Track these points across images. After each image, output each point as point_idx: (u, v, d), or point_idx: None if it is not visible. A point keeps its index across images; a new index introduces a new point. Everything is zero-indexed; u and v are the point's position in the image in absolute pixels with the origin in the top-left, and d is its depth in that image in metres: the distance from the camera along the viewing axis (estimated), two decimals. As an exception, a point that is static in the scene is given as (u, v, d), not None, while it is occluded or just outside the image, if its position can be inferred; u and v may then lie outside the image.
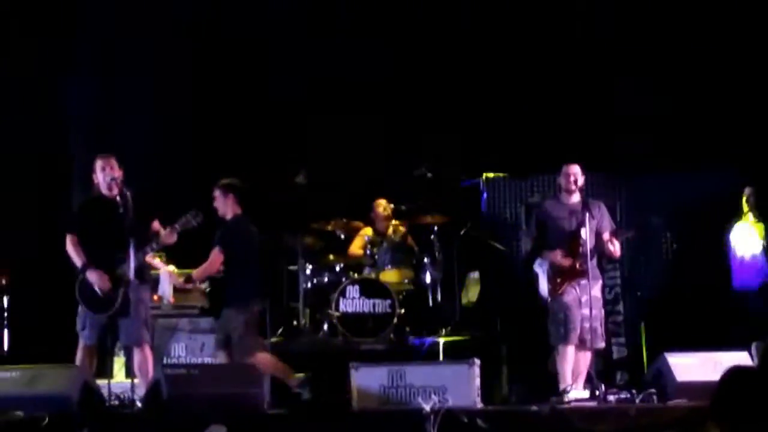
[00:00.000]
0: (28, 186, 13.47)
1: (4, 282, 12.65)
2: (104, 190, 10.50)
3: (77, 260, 10.48)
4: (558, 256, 10.63)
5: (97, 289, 10.38)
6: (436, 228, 12.98)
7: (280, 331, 12.61)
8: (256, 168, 13.29)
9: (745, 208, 12.06)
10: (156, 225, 10.44)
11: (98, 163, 10.52)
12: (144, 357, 10.46)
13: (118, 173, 10.48)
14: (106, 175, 10.46)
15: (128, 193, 10.37)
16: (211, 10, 14.20)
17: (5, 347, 12.41)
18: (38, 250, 12.97)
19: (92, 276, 10.36)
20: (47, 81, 13.74)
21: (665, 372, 10.25)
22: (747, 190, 12.18)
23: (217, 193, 11.07)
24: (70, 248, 10.52)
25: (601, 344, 10.89)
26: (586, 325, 10.52)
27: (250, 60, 14.15)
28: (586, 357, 10.68)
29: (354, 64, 13.96)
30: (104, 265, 10.38)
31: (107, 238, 10.33)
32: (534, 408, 9.69)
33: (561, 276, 10.63)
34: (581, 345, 10.57)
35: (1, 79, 13.58)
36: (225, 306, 11.00)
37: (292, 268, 12.84)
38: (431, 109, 13.89)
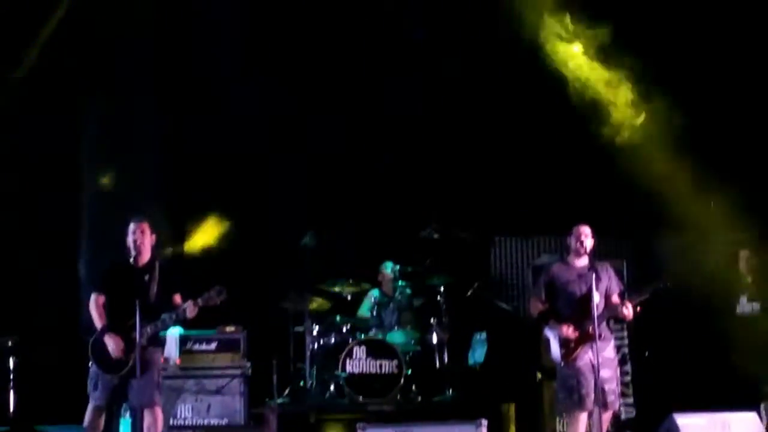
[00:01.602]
0: (33, 250, 13.45)
1: (10, 344, 12.50)
2: (132, 254, 10.46)
3: (98, 321, 10.34)
4: (566, 330, 10.52)
5: (111, 351, 10.31)
6: (442, 289, 12.91)
7: (287, 391, 12.56)
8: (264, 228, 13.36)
9: (743, 271, 12.21)
10: (178, 298, 10.30)
11: (130, 227, 10.48)
12: (154, 418, 10.29)
13: (149, 239, 10.45)
14: (136, 241, 10.44)
15: (157, 262, 10.40)
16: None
17: (11, 408, 12.25)
18: (46, 313, 12.97)
19: (109, 340, 10.25)
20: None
21: None
22: (742, 254, 12.24)
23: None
24: (93, 308, 10.38)
25: (618, 405, 10.77)
26: (606, 386, 10.36)
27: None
28: (607, 418, 10.52)
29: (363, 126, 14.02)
30: (121, 328, 10.28)
31: (129, 303, 10.18)
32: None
33: (574, 341, 10.51)
34: (604, 407, 10.36)
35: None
36: None
37: (298, 329, 12.76)
38: (439, 171, 13.97)
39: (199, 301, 10.12)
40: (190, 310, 10.14)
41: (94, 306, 10.39)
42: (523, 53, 13.70)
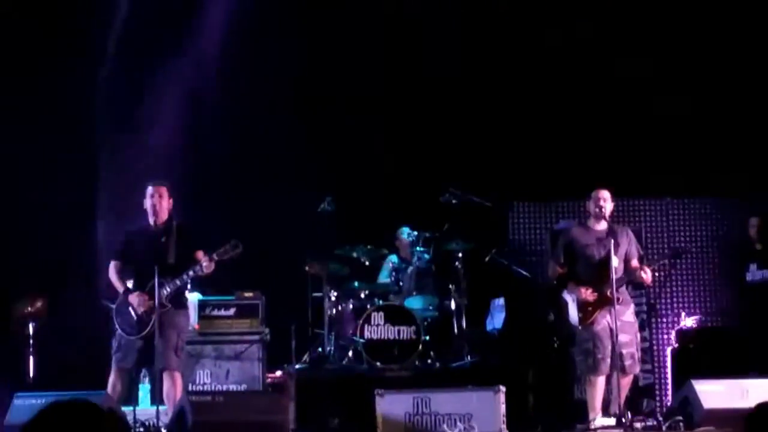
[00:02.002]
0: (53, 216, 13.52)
1: (29, 309, 12.61)
2: (150, 218, 10.55)
3: (118, 286, 10.62)
4: (584, 293, 10.55)
5: (134, 310, 10.44)
6: (461, 254, 12.94)
7: (305, 357, 12.58)
8: (283, 194, 13.35)
9: (753, 238, 12.34)
10: (200, 255, 10.41)
11: (148, 190, 10.64)
12: (172, 383, 10.48)
13: (166, 202, 10.59)
14: (154, 204, 10.54)
15: (174, 223, 10.61)
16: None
17: (31, 373, 12.37)
18: (65, 279, 13.05)
19: (133, 299, 10.45)
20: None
21: (692, 399, 10.28)
22: (752, 221, 12.34)
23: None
24: (112, 274, 10.68)
25: (638, 369, 10.92)
26: (624, 351, 10.46)
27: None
28: (627, 381, 10.65)
29: (380, 91, 14.04)
30: (144, 290, 10.47)
31: (148, 265, 10.38)
32: (561, 435, 9.72)
33: (592, 304, 10.56)
34: (623, 371, 10.50)
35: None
36: None
37: (317, 294, 12.81)
38: (456, 136, 14.00)
39: (215, 255, 10.28)
40: (206, 265, 10.33)
41: (113, 273, 10.71)
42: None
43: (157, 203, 10.67)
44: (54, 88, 13.65)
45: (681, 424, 10.10)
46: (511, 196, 13.47)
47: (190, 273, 10.38)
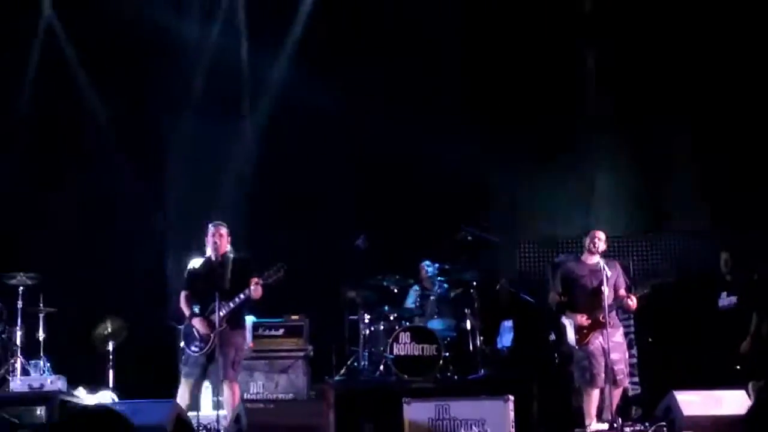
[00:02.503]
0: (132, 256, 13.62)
1: (109, 330, 12.64)
2: (210, 252, 10.61)
3: (186, 311, 10.67)
4: (579, 319, 10.55)
5: (197, 332, 10.44)
6: (475, 283, 12.87)
7: (343, 371, 12.54)
8: (325, 232, 13.46)
9: (723, 270, 12.13)
10: (253, 281, 10.44)
11: (210, 229, 10.70)
12: (231, 392, 10.51)
13: (225, 239, 10.68)
14: (215, 241, 10.64)
15: (231, 255, 10.65)
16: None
17: (111, 384, 12.37)
18: (140, 304, 13.07)
19: (196, 322, 10.51)
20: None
21: (674, 408, 10.19)
22: (723, 255, 12.18)
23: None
24: (182, 301, 10.73)
25: (626, 383, 10.91)
26: (616, 367, 10.44)
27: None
28: (617, 393, 10.61)
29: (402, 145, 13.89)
30: (204, 315, 10.52)
31: (209, 292, 10.45)
32: (561, 439, 9.69)
33: (586, 328, 10.58)
34: (614, 384, 10.47)
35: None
36: None
37: (353, 317, 12.78)
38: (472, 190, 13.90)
39: (260, 280, 10.34)
40: (254, 288, 10.35)
41: (183, 300, 10.75)
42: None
43: (218, 240, 10.75)
44: (140, 144, 13.87)
45: (664, 429, 10.05)
46: (518, 235, 13.38)
47: (242, 296, 10.42)
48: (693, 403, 10.08)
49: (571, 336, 10.59)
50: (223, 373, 10.42)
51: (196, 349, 10.54)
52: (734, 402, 9.94)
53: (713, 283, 12.35)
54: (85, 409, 9.60)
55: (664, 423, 10.15)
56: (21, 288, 12.15)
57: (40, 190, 13.68)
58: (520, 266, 13.53)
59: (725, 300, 12.13)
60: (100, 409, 8.11)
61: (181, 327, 10.97)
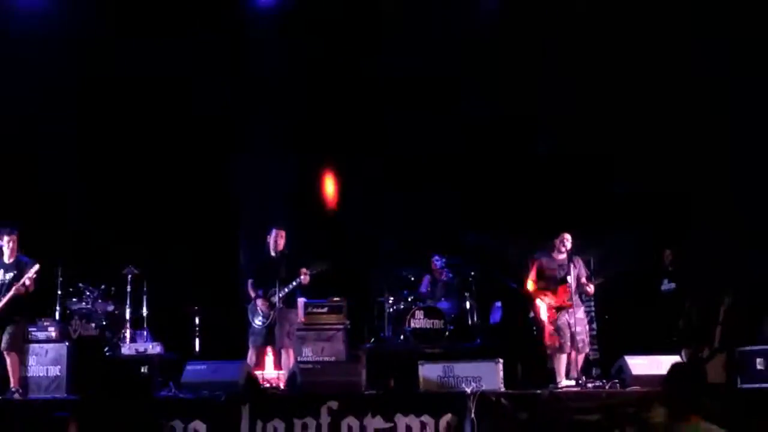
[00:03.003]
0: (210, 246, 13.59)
1: (196, 308, 12.78)
2: (272, 250, 10.79)
3: (252, 293, 10.88)
4: (550, 301, 10.66)
5: (260, 310, 10.63)
6: (473, 273, 12.93)
7: (372, 340, 12.60)
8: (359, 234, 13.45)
9: (666, 262, 12.19)
10: (302, 271, 10.61)
11: (273, 232, 10.83)
12: (287, 356, 10.71)
13: (283, 240, 10.82)
14: (275, 241, 10.79)
15: (286, 252, 10.82)
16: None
17: (197, 349, 12.53)
18: (218, 288, 13.21)
19: (259, 302, 10.67)
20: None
21: (625, 368, 10.25)
22: (666, 252, 12.23)
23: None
24: (249, 286, 10.94)
25: (588, 349, 10.95)
26: (579, 337, 10.49)
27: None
28: (581, 357, 10.67)
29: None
30: (265, 297, 10.69)
31: (270, 280, 10.68)
32: (538, 392, 9.74)
33: (555, 307, 10.71)
34: (577, 350, 10.52)
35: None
36: None
37: (380, 299, 12.87)
38: (472, 198, 13.69)
39: (310, 270, 10.53)
40: (303, 278, 10.51)
41: (249, 286, 10.87)
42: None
43: (278, 240, 10.95)
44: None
45: (617, 385, 10.06)
46: (510, 235, 13.36)
47: (294, 283, 10.62)
48: (639, 365, 10.12)
49: (544, 314, 10.75)
50: (280, 341, 10.65)
51: (259, 323, 10.73)
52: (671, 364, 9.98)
53: (656, 272, 12.40)
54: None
55: (617, 380, 10.14)
56: (129, 275, 12.26)
57: (144, 195, 13.62)
58: (510, 259, 13.43)
59: (666, 285, 12.20)
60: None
61: (248, 306, 11.12)
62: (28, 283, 10.32)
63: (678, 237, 12.53)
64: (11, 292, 10.26)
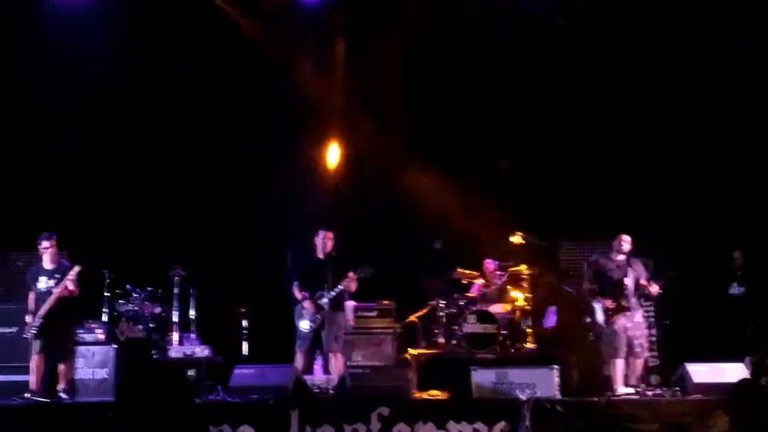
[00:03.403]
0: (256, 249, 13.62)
1: (243, 311, 12.77)
2: (319, 252, 10.71)
3: (298, 296, 10.75)
4: (607, 303, 10.49)
5: (307, 313, 10.55)
6: (526, 276, 12.77)
7: (423, 344, 12.49)
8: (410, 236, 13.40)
9: (736, 265, 12.00)
10: (350, 275, 10.53)
11: (320, 233, 10.74)
12: (336, 360, 10.59)
13: (331, 242, 10.74)
14: (323, 243, 10.69)
15: (334, 254, 10.71)
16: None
17: (245, 352, 12.51)
18: (266, 290, 13.17)
19: (306, 305, 10.58)
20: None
21: (686, 376, 10.16)
22: (736, 253, 12.03)
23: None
24: (295, 289, 10.81)
25: (646, 354, 10.82)
26: (636, 342, 10.37)
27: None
28: (639, 363, 10.55)
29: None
30: (312, 300, 10.60)
31: (317, 282, 10.57)
32: (595, 399, 9.63)
33: (612, 311, 10.51)
34: (635, 356, 10.40)
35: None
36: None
37: (431, 303, 12.75)
38: (525, 199, 13.59)
39: (352, 274, 10.43)
40: (349, 282, 10.42)
41: (295, 288, 10.78)
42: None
43: (326, 242, 10.85)
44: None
45: (678, 392, 9.96)
46: (561, 239, 13.24)
47: (340, 287, 10.53)
48: (701, 372, 10.05)
49: (600, 317, 10.57)
50: (328, 345, 10.53)
51: (306, 327, 10.64)
52: (734, 372, 9.80)
53: (724, 275, 12.19)
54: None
55: (677, 388, 10.08)
56: (176, 278, 12.32)
57: (192, 196, 13.72)
58: (562, 264, 13.34)
59: (735, 289, 12.01)
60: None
61: (295, 308, 10.99)
62: (71, 287, 10.39)
63: (750, 239, 12.34)
64: (53, 296, 10.35)
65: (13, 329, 11.05)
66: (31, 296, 10.50)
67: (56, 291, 10.34)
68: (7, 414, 9.48)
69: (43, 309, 10.33)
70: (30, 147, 13.09)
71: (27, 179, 13.02)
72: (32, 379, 10.33)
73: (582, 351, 11.43)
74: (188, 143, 13.70)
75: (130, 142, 13.68)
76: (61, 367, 10.43)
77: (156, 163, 13.71)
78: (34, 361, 10.34)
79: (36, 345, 10.35)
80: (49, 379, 10.43)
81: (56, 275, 10.48)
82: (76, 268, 10.45)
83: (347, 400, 9.60)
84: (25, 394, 10.19)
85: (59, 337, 10.46)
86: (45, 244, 10.56)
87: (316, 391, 10.28)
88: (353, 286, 10.66)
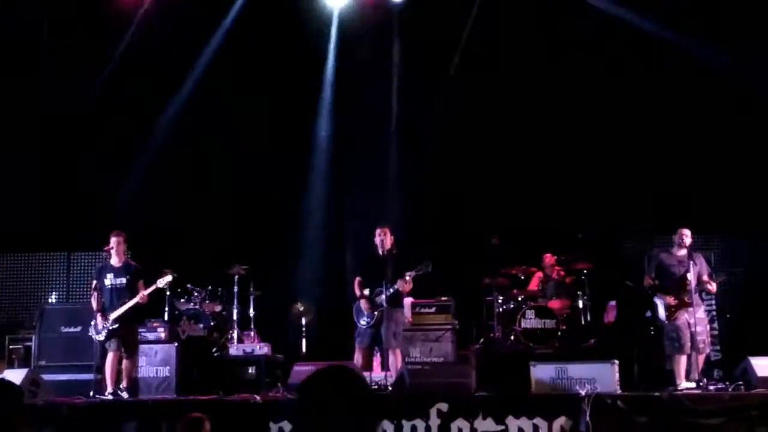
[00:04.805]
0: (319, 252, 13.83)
1: (302, 308, 12.87)
2: (379, 248, 10.79)
3: (358, 293, 10.84)
4: (668, 299, 10.43)
5: (365, 310, 10.66)
6: (586, 271, 12.77)
7: (481, 340, 12.52)
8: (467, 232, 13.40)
9: None
10: (406, 277, 10.55)
11: (377, 231, 10.83)
12: (395, 357, 10.65)
13: (389, 238, 10.78)
14: (381, 240, 10.78)
15: (394, 251, 10.73)
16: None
17: (303, 350, 12.65)
18: (325, 289, 13.33)
19: (363, 302, 10.66)
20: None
21: (749, 370, 10.06)
22: None
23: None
24: (356, 285, 10.90)
25: (709, 350, 10.74)
26: (699, 337, 10.28)
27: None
28: (701, 358, 10.45)
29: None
30: (371, 295, 10.67)
31: (375, 280, 10.63)
32: (657, 394, 9.55)
33: (674, 306, 10.45)
34: (698, 351, 10.30)
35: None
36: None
37: (488, 298, 12.78)
38: (586, 192, 13.64)
39: (412, 273, 10.44)
40: (403, 282, 10.46)
41: (357, 284, 10.85)
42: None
43: (384, 239, 10.94)
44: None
45: (741, 387, 9.85)
46: (619, 234, 13.17)
47: (396, 286, 10.60)
48: (765, 366, 9.94)
49: (662, 313, 10.50)
50: (386, 342, 10.59)
51: (364, 323, 10.74)
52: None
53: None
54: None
55: (741, 382, 9.97)
56: (236, 276, 12.50)
57: (250, 194, 13.90)
58: (621, 258, 13.29)
59: None
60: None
61: (354, 305, 11.06)
62: (145, 294, 10.60)
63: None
64: (131, 303, 10.55)
65: (78, 329, 11.31)
66: (95, 294, 10.69)
67: (136, 300, 10.53)
68: (77, 412, 9.62)
69: (117, 313, 10.55)
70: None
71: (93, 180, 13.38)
72: (108, 378, 10.50)
73: (643, 346, 11.37)
74: (246, 138, 13.90)
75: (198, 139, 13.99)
76: (126, 365, 10.63)
77: (212, 158, 13.96)
78: (110, 361, 10.53)
79: (112, 344, 10.55)
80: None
81: (124, 275, 10.69)
82: (169, 278, 10.73)
83: (406, 396, 9.65)
84: (95, 395, 10.36)
85: (128, 336, 10.67)
86: (113, 239, 10.74)
87: (375, 387, 10.28)
88: (407, 288, 10.71)
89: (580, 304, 12.73)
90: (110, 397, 10.41)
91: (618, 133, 13.43)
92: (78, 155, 13.51)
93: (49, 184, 13.56)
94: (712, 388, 9.97)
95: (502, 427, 9.20)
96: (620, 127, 13.41)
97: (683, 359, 10.33)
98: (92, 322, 10.63)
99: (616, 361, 9.76)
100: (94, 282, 10.78)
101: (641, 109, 13.30)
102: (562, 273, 13.07)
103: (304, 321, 12.78)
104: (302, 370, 10.18)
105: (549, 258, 13.16)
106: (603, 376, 9.57)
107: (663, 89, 13.20)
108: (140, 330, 11.22)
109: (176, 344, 11.27)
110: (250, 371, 11.38)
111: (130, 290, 10.64)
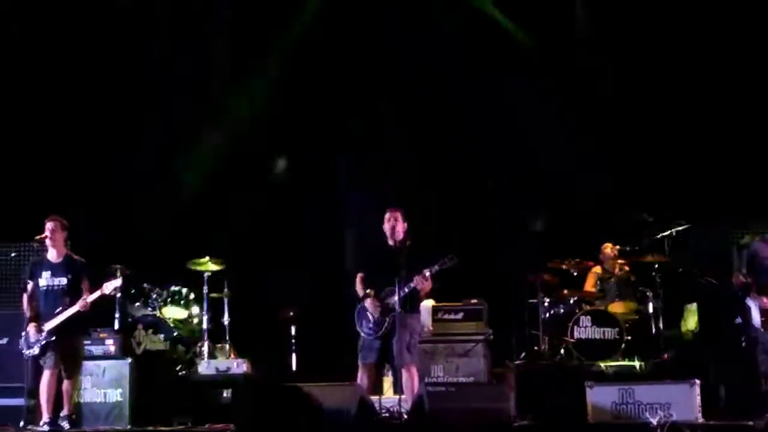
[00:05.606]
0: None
1: (291, 314, 12.90)
2: (389, 238, 10.71)
3: (360, 292, 10.72)
4: (765, 302, 10.25)
5: (370, 314, 10.57)
6: (656, 265, 12.69)
7: (523, 354, 12.50)
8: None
9: None
10: (425, 272, 10.42)
11: (387, 215, 10.75)
12: (409, 376, 10.53)
13: (401, 225, 10.68)
14: (392, 226, 10.68)
15: (408, 242, 10.63)
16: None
17: (293, 367, 12.65)
18: (318, 290, 13.33)
19: (368, 303, 10.57)
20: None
21: None
22: None
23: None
24: (358, 282, 10.78)
25: None
26: None
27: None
28: None
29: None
30: (377, 297, 10.58)
31: (385, 276, 10.51)
32: (750, 423, 9.48)
33: (772, 312, 10.35)
34: None
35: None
36: None
37: (532, 301, 12.75)
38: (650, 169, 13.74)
39: (432, 269, 10.32)
40: (422, 278, 10.34)
41: (358, 281, 10.76)
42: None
43: (394, 224, 10.81)
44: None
45: None
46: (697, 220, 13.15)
47: (411, 284, 10.45)
48: None
49: (756, 318, 10.34)
50: (399, 357, 10.43)
51: (370, 332, 10.60)
52: None
53: None
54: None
55: None
56: (206, 274, 12.50)
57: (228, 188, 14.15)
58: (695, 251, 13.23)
59: None
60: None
61: (355, 310, 10.91)
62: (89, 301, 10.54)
63: None
64: (70, 311, 10.53)
65: (3, 341, 11.32)
66: (26, 295, 10.68)
67: (76, 307, 10.50)
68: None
69: (54, 322, 10.52)
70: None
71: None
72: (44, 404, 10.48)
73: (732, 361, 11.22)
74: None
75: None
76: (66, 387, 10.60)
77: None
78: (46, 382, 10.51)
79: (49, 361, 10.52)
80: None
81: (64, 273, 10.68)
82: (118, 282, 10.68)
83: (425, 426, 9.60)
84: (26, 425, 10.39)
85: (69, 350, 10.63)
86: (49, 226, 10.72)
87: (386, 415, 10.33)
88: (428, 286, 10.57)
89: (650, 307, 12.70)
90: (46, 428, 10.43)
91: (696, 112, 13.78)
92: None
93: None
94: (820, 415, 9.84)
95: (550, 467, 9.31)
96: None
97: (783, 377, 10.20)
98: (23, 333, 10.62)
99: (697, 381, 9.80)
100: (27, 282, 10.76)
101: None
102: (627, 268, 13.06)
103: (293, 330, 12.77)
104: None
105: (610, 249, 13.16)
106: (680, 400, 9.62)
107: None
108: (84, 342, 11.18)
109: (130, 360, 11.26)
110: (225, 395, 11.40)
111: (72, 293, 10.64)
